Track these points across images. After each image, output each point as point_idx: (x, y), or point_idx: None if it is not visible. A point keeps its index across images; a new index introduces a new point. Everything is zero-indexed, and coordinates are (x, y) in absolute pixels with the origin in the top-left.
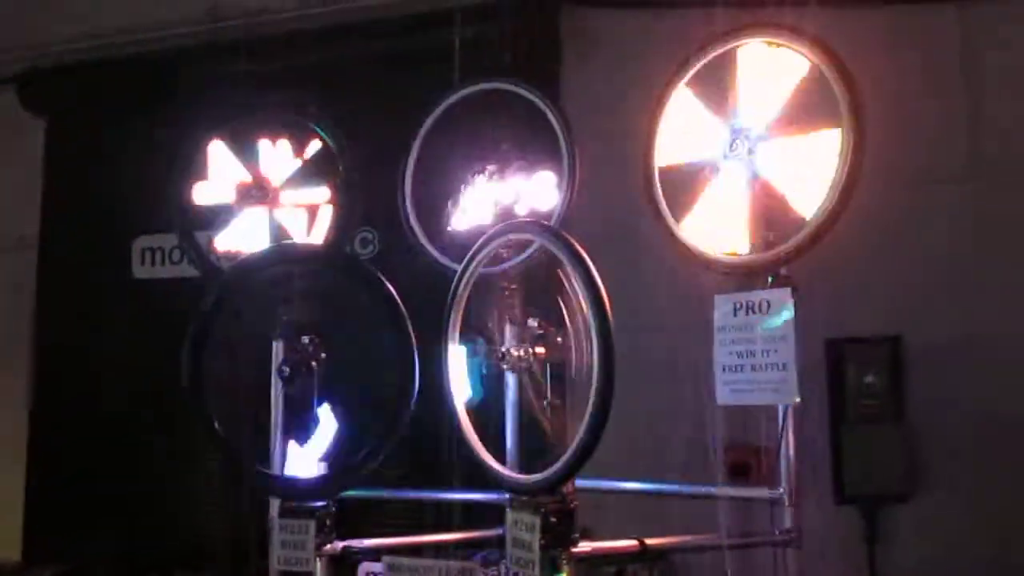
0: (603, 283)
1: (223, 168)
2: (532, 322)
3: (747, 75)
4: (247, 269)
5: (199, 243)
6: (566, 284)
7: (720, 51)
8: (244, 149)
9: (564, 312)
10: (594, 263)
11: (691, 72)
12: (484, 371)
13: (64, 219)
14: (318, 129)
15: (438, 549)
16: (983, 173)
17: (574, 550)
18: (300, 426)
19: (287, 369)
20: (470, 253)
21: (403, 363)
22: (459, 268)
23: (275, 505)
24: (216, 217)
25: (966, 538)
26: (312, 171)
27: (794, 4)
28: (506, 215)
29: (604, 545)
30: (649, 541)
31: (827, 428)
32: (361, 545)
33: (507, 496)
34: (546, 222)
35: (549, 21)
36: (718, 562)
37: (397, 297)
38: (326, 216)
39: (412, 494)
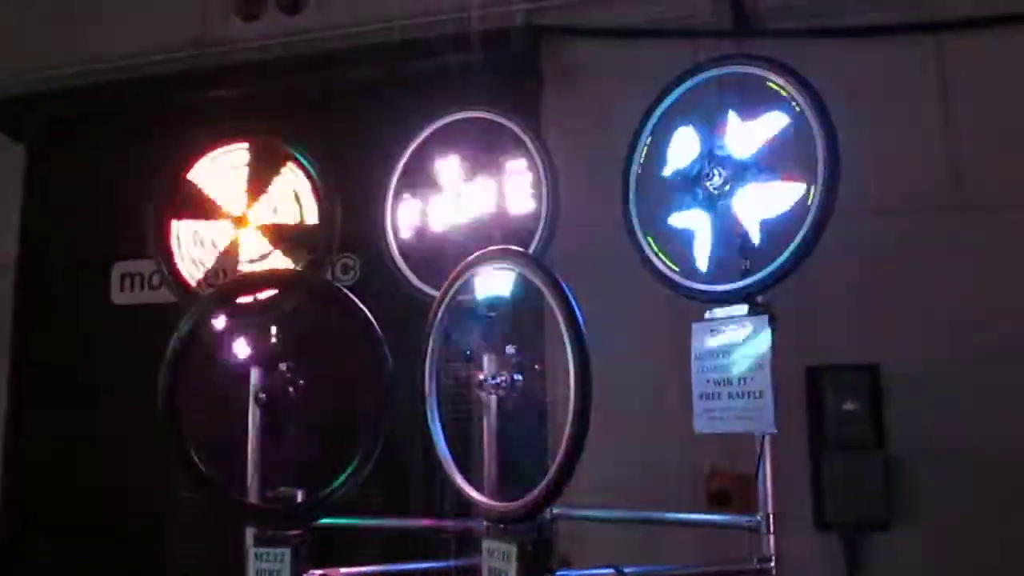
0: (581, 310)
1: (203, 192)
2: (510, 349)
3: (725, 105)
4: (224, 296)
5: (178, 268)
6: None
7: (700, 80)
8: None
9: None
10: (572, 291)
11: (672, 98)
12: None
13: (43, 244)
14: (298, 156)
15: None
16: (961, 201)
17: None
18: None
19: (264, 395)
20: (448, 280)
21: (380, 390)
22: (437, 295)
23: (250, 533)
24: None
25: (946, 566)
26: (293, 195)
27: (773, 36)
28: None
29: (582, 573)
30: (627, 569)
31: (807, 455)
32: (338, 574)
33: (484, 524)
34: (525, 250)
35: (530, 50)
36: None
37: (375, 324)
38: (307, 241)
39: (388, 522)
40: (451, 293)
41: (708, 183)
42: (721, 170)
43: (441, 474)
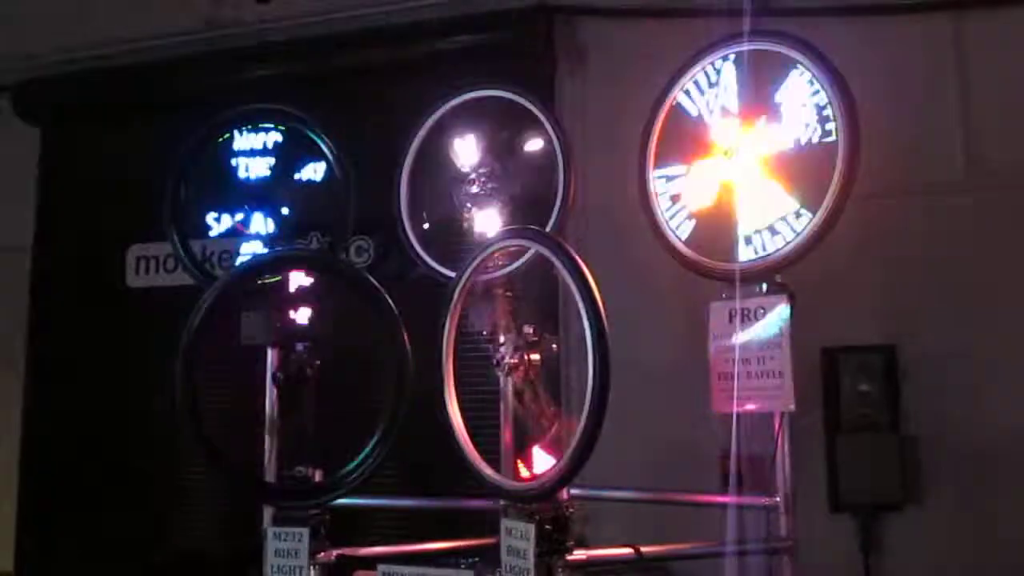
0: (599, 289)
1: (219, 174)
2: (527, 328)
3: (742, 84)
4: (241, 277)
5: (194, 251)
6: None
7: (713, 60)
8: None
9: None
10: (589, 270)
11: (683, 83)
12: None
13: (58, 227)
14: (314, 137)
15: (432, 558)
16: (978, 182)
17: (569, 558)
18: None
19: (281, 376)
20: (466, 260)
21: (398, 369)
22: (455, 275)
23: (268, 513)
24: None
25: (961, 547)
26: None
27: (789, 14)
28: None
29: (599, 553)
30: (645, 549)
31: (822, 437)
32: (356, 553)
33: (501, 504)
34: (542, 229)
35: (544, 31)
36: (714, 570)
37: (392, 303)
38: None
39: (406, 502)
40: (469, 273)
41: (725, 162)
42: (736, 149)
43: (458, 453)
